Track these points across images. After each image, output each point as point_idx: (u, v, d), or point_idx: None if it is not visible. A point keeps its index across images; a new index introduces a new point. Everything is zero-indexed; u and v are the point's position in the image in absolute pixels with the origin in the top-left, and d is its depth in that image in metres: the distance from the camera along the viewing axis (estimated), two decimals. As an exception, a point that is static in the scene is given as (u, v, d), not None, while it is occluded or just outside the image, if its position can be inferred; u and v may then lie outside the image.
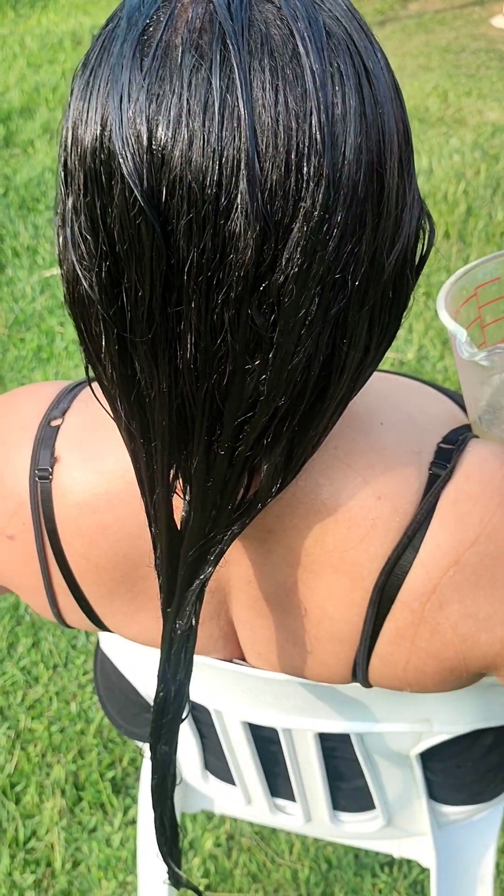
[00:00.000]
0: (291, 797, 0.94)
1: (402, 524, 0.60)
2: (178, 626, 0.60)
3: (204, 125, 0.43)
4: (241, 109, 0.43)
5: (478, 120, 4.02)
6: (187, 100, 0.43)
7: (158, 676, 0.63)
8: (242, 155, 0.43)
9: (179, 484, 0.55)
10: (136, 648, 0.80)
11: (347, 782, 0.90)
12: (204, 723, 0.91)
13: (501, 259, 0.72)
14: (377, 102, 0.46)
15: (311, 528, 0.61)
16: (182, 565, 0.58)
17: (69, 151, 0.47)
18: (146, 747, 1.02)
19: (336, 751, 0.86)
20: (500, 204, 3.23)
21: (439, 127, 3.97)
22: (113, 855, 1.49)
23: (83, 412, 0.67)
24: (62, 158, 0.48)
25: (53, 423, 0.67)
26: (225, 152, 0.43)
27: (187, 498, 0.55)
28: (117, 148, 0.44)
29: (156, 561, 0.59)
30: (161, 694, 0.63)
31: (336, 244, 0.45)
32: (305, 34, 0.44)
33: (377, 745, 0.83)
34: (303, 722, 0.81)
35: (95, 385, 0.56)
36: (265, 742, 0.88)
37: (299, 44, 0.44)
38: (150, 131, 0.44)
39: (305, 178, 0.44)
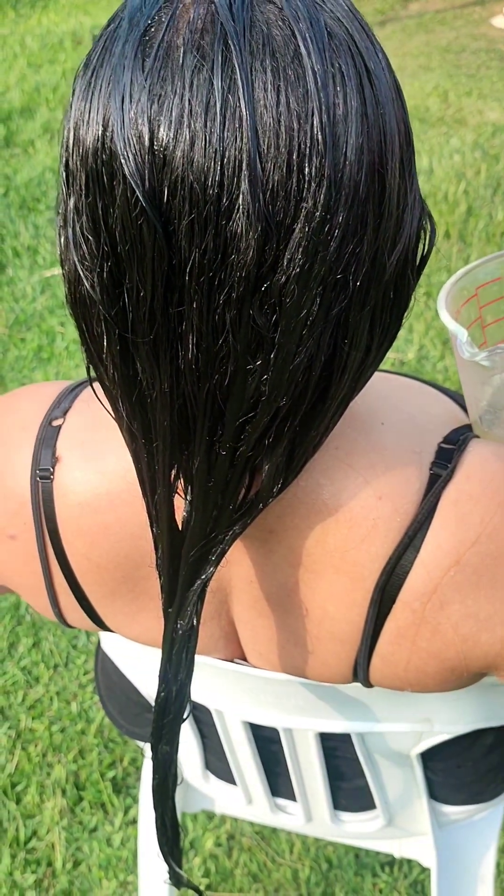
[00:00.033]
0: (292, 797, 0.94)
1: (403, 524, 0.60)
2: (179, 626, 0.61)
3: (206, 126, 0.43)
4: (243, 110, 0.43)
5: (478, 120, 4.02)
6: (189, 100, 0.43)
7: (160, 676, 0.63)
8: (244, 155, 0.43)
9: (181, 484, 0.56)
10: (137, 648, 0.80)
11: (348, 782, 0.90)
12: (205, 723, 0.91)
13: (502, 259, 0.72)
14: (379, 103, 0.46)
15: (312, 529, 0.61)
16: (183, 565, 0.58)
17: (71, 152, 0.48)
18: (147, 747, 1.02)
19: (337, 750, 0.86)
20: (501, 204, 3.23)
21: (440, 127, 3.97)
22: (113, 855, 1.49)
23: (84, 412, 0.67)
24: (64, 159, 0.49)
25: (55, 423, 0.67)
26: (226, 153, 0.43)
27: (189, 498, 0.55)
28: (119, 148, 0.44)
29: (157, 561, 0.59)
30: (162, 694, 0.64)
31: (337, 245, 0.45)
32: (307, 35, 0.44)
33: (378, 744, 0.83)
34: (304, 722, 0.81)
35: (97, 385, 0.56)
36: (266, 742, 0.88)
37: (301, 44, 0.44)
38: (151, 132, 0.44)
39: (307, 178, 0.44)
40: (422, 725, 0.80)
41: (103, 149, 0.45)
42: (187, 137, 0.43)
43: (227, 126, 0.43)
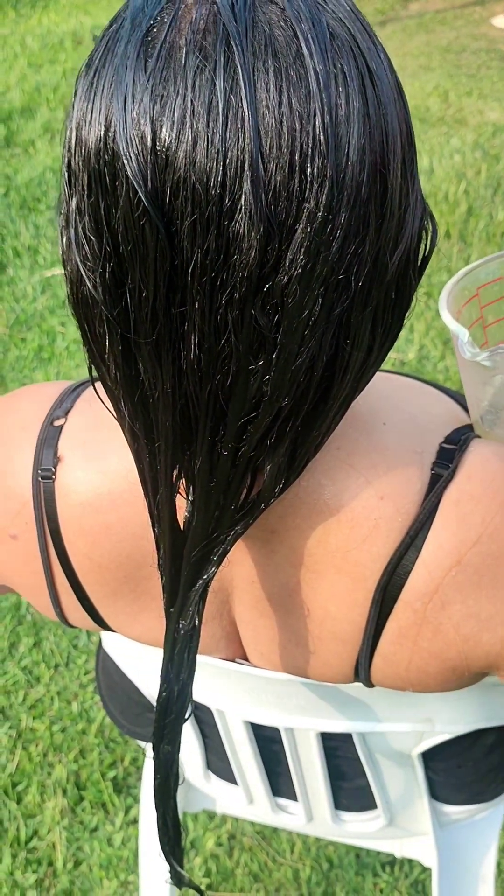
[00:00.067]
0: (293, 797, 0.94)
1: (404, 524, 0.60)
2: (181, 626, 0.61)
3: (208, 126, 0.43)
4: (245, 110, 0.43)
5: (478, 120, 4.02)
6: (191, 101, 0.43)
7: (161, 676, 0.63)
8: (246, 156, 0.43)
9: (183, 484, 0.56)
10: (138, 648, 0.80)
11: (349, 782, 0.90)
12: (206, 722, 0.91)
13: (503, 259, 0.72)
14: (380, 103, 0.46)
15: (313, 529, 0.61)
16: (185, 565, 0.58)
17: (73, 152, 0.48)
18: (149, 747, 1.02)
19: (338, 750, 0.86)
20: (501, 204, 3.23)
21: (440, 127, 3.97)
22: (114, 854, 1.49)
23: (86, 412, 0.67)
24: (66, 159, 0.49)
25: (56, 423, 0.67)
26: (229, 153, 0.43)
27: (190, 498, 0.56)
28: (121, 149, 0.45)
29: (159, 561, 0.59)
30: (164, 694, 0.64)
31: (339, 245, 0.45)
32: (309, 35, 0.44)
33: (379, 744, 0.83)
34: (305, 721, 0.81)
35: (98, 385, 0.56)
36: (267, 742, 0.88)
37: (303, 45, 0.44)
38: (154, 132, 0.44)
39: (309, 179, 0.44)
40: (423, 725, 0.80)
41: (105, 149, 0.45)
42: (189, 138, 0.43)
43: (229, 126, 0.43)
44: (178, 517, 0.57)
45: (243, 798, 0.98)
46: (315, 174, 0.44)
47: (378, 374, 0.66)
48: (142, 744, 1.09)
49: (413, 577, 0.60)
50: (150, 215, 0.45)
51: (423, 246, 0.52)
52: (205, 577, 0.58)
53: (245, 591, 0.66)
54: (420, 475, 0.60)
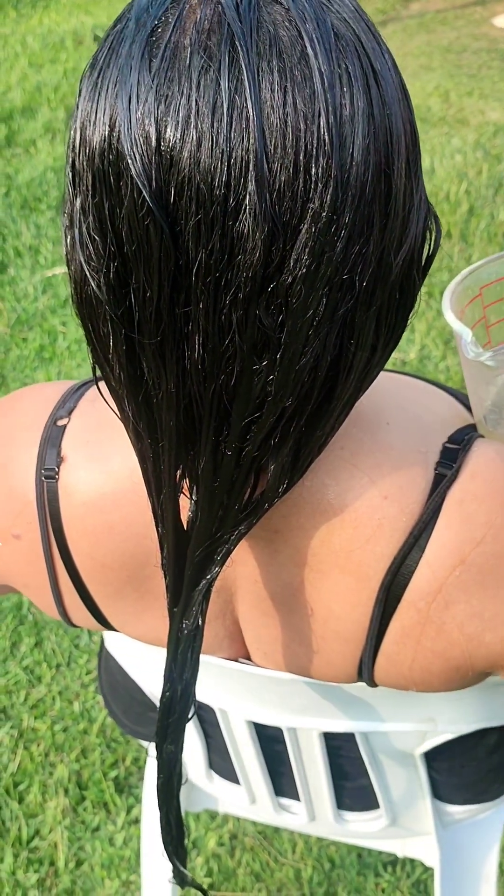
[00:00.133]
0: (296, 796, 0.95)
1: (408, 524, 0.60)
2: (184, 625, 0.61)
3: (212, 126, 0.43)
4: (250, 110, 0.43)
5: (479, 120, 4.02)
6: (196, 101, 0.43)
7: (165, 676, 0.63)
8: (251, 156, 0.43)
9: (186, 484, 0.56)
10: (141, 648, 0.80)
11: (352, 781, 0.90)
12: (209, 722, 0.91)
13: (506, 259, 0.72)
14: (385, 104, 0.46)
15: (317, 528, 0.61)
16: (189, 565, 0.58)
17: (77, 152, 0.48)
18: (151, 746, 1.02)
19: (341, 750, 0.86)
20: (502, 204, 3.23)
21: (441, 127, 3.97)
22: (116, 854, 1.49)
23: (89, 412, 0.67)
24: (70, 159, 0.49)
25: (59, 423, 0.67)
26: (233, 153, 0.43)
27: (194, 498, 0.56)
28: (126, 149, 0.45)
29: (162, 561, 0.59)
30: (167, 693, 0.64)
31: (344, 245, 0.45)
32: (314, 35, 0.44)
33: (382, 744, 0.83)
34: (308, 721, 0.81)
35: (102, 385, 0.56)
36: (270, 741, 0.88)
37: (308, 45, 0.44)
38: (158, 132, 0.44)
39: (314, 179, 0.44)
40: (426, 725, 0.80)
41: (110, 149, 0.45)
42: (194, 138, 0.43)
43: (233, 126, 0.43)
44: (182, 517, 0.57)
45: (246, 798, 0.98)
46: (319, 174, 0.44)
47: (381, 373, 0.66)
48: (144, 743, 1.09)
49: (417, 577, 0.60)
50: (155, 215, 0.45)
51: (426, 246, 0.52)
52: (208, 576, 0.59)
53: (248, 591, 0.66)
54: (424, 475, 0.60)
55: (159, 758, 0.68)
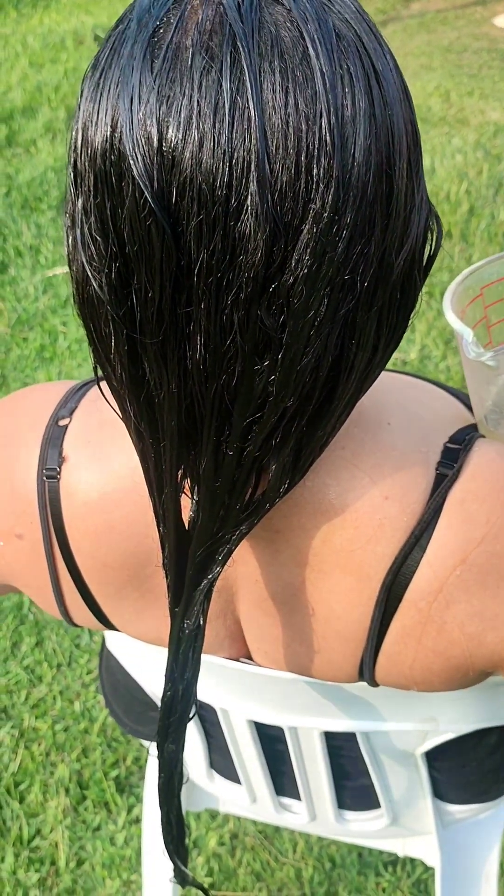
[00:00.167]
0: (297, 796, 0.95)
1: (409, 524, 0.60)
2: (185, 625, 0.61)
3: (214, 127, 0.43)
4: (252, 111, 0.43)
5: (480, 120, 4.02)
6: (198, 101, 0.43)
7: (166, 675, 0.63)
8: (252, 156, 0.43)
9: (188, 484, 0.56)
10: (142, 647, 0.80)
11: (353, 781, 0.91)
12: (210, 721, 0.91)
13: (507, 259, 0.72)
14: (386, 104, 0.46)
15: (318, 528, 0.61)
16: (190, 565, 0.58)
17: (79, 153, 0.48)
18: (152, 746, 1.02)
19: (342, 749, 0.86)
20: (503, 204, 3.23)
21: (441, 127, 3.97)
22: (117, 853, 1.49)
23: (91, 412, 0.67)
24: (72, 160, 0.49)
25: (61, 423, 0.67)
26: (235, 154, 0.43)
27: (195, 498, 0.56)
28: (128, 149, 0.45)
29: (164, 560, 0.59)
30: (168, 693, 0.64)
31: (345, 245, 0.45)
32: (315, 36, 0.44)
33: (383, 743, 0.83)
34: (309, 721, 0.81)
35: (104, 385, 0.56)
36: (271, 741, 0.88)
37: (309, 46, 0.44)
38: (160, 133, 0.44)
39: (315, 179, 0.44)
40: (427, 725, 0.80)
41: (112, 150, 0.46)
42: (196, 138, 0.43)
43: (235, 127, 0.43)
44: (183, 517, 0.57)
45: (247, 797, 0.98)
46: (321, 175, 0.44)
47: (383, 373, 0.66)
48: (145, 743, 1.09)
49: (418, 577, 0.60)
50: (157, 216, 0.45)
51: (428, 246, 0.52)
52: (210, 576, 0.59)
53: (249, 591, 0.66)
54: (425, 475, 0.60)
55: (160, 757, 0.68)
